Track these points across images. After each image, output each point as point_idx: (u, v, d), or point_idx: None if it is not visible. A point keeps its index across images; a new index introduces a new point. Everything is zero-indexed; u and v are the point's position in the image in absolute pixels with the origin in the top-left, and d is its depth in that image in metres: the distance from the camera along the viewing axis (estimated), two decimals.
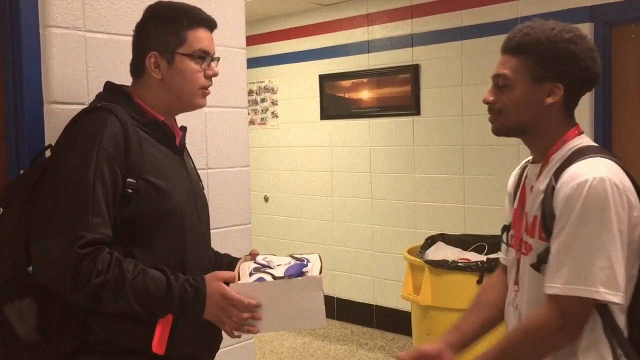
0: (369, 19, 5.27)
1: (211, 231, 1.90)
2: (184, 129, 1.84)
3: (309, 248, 5.66)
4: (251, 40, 4.34)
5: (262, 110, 6.14)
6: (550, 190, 1.53)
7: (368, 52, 5.29)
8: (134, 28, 1.75)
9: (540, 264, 1.54)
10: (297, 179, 5.89)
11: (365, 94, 5.34)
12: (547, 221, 1.53)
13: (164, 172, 1.67)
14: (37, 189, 1.61)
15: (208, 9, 1.77)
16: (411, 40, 5.00)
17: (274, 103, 6.04)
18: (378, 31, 5.22)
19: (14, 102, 1.92)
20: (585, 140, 1.62)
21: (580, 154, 1.54)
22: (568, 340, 1.50)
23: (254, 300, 1.58)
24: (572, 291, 1.45)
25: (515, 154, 4.32)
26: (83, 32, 2.01)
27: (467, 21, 4.65)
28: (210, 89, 1.78)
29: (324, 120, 5.65)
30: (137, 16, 1.76)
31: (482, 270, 3.45)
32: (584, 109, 3.89)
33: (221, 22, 1.86)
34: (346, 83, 5.46)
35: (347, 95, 5.47)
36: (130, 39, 1.76)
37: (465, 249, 3.96)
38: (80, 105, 1.83)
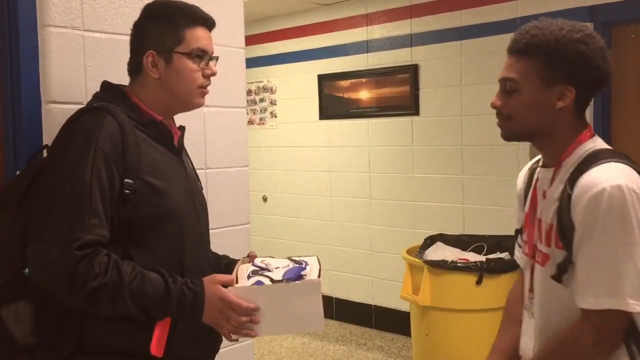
0: (368, 19, 5.27)
1: (210, 231, 1.89)
2: (182, 128, 1.83)
3: (308, 248, 5.66)
4: (250, 40, 4.33)
5: (260, 110, 6.13)
6: (566, 198, 1.49)
7: (367, 52, 5.29)
8: (131, 27, 1.74)
9: (560, 274, 1.51)
10: (296, 179, 5.88)
11: (364, 94, 5.34)
12: (564, 230, 1.49)
13: (161, 172, 1.65)
14: (33, 189, 1.59)
15: (207, 9, 1.76)
16: (410, 40, 5.00)
17: (272, 103, 6.04)
18: (377, 31, 5.22)
19: (12, 101, 1.90)
20: (598, 142, 1.57)
21: (594, 158, 1.50)
22: (607, 353, 1.47)
23: (252, 304, 1.57)
24: (603, 304, 1.42)
25: (514, 154, 4.33)
26: (81, 31, 2.00)
27: (466, 21, 4.65)
28: (208, 88, 1.76)
29: (323, 120, 5.65)
30: (136, 15, 1.75)
31: (481, 270, 3.45)
32: None
33: (220, 21, 1.85)
34: (345, 83, 5.46)
35: (346, 95, 5.47)
36: (129, 38, 1.75)
37: (464, 249, 3.95)
38: (78, 105, 1.82)
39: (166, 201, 1.64)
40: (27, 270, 1.54)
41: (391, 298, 5.08)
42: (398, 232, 5.14)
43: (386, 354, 4.82)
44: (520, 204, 1.77)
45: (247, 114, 5.45)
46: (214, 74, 1.75)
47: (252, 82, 6.07)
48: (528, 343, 1.67)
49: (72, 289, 1.47)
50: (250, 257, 1.79)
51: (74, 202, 1.50)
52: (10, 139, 1.92)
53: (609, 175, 1.44)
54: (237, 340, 1.65)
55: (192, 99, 1.74)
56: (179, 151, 1.79)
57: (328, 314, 5.30)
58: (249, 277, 1.65)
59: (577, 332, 1.48)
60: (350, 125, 5.45)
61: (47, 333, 1.55)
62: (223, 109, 2.43)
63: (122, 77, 1.77)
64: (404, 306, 4.39)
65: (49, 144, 1.72)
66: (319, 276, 1.64)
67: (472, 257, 3.77)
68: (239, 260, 1.78)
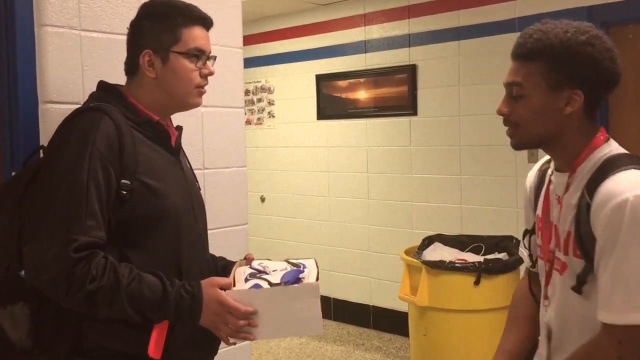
0: (366, 19, 5.26)
1: (208, 232, 1.88)
2: (179, 128, 1.82)
3: (306, 248, 5.66)
4: (248, 40, 4.33)
5: (258, 110, 6.12)
6: (584, 207, 1.45)
7: (365, 52, 5.29)
8: (128, 26, 1.73)
9: (580, 285, 1.47)
10: (294, 179, 5.87)
11: (362, 94, 5.33)
12: (583, 240, 1.45)
13: (158, 172, 1.64)
14: (29, 190, 1.58)
15: (205, 8, 1.75)
16: (408, 40, 4.99)
17: (270, 103, 6.03)
18: (375, 31, 5.21)
19: (9, 101, 1.90)
20: (614, 146, 1.53)
21: (613, 165, 1.45)
22: None
23: (250, 308, 1.56)
24: (627, 319, 1.38)
25: (513, 154, 4.31)
26: (78, 31, 1.99)
27: (465, 21, 4.64)
28: (206, 88, 1.75)
29: (321, 121, 5.64)
30: (133, 15, 1.74)
31: (479, 271, 3.45)
32: None
33: (218, 21, 1.84)
34: (343, 83, 5.45)
35: (344, 96, 5.46)
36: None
37: (462, 249, 3.95)
38: (75, 105, 1.81)
39: (163, 201, 1.63)
40: (23, 272, 1.53)
41: (389, 298, 5.08)
42: (396, 233, 5.14)
43: (384, 355, 4.81)
44: (530, 205, 1.73)
45: (245, 114, 5.41)
46: (211, 73, 1.74)
47: (250, 82, 6.06)
48: (541, 352, 1.63)
49: (68, 291, 1.46)
50: (248, 260, 1.77)
51: (70, 203, 1.49)
52: (7, 139, 1.91)
53: (631, 184, 1.39)
54: (235, 344, 1.64)
55: (189, 98, 1.73)
56: (177, 151, 1.78)
57: (326, 314, 5.29)
58: (246, 280, 1.64)
59: (600, 347, 1.44)
60: (348, 126, 5.45)
61: (44, 335, 1.54)
62: (221, 109, 2.42)
63: (119, 77, 1.76)
64: (402, 306, 4.38)
65: (45, 145, 1.70)
66: (317, 279, 1.63)
67: (470, 257, 3.77)
68: (235, 262, 1.77)
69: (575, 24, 1.50)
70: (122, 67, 1.75)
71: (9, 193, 1.61)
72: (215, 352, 1.80)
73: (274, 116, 6.01)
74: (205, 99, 1.78)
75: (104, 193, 1.52)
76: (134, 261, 1.56)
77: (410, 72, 4.96)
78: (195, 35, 1.69)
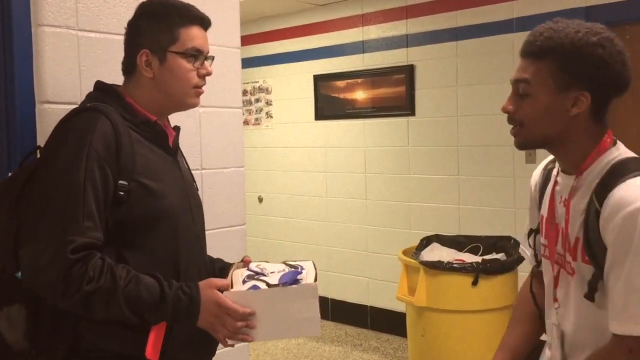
0: (364, 19, 5.26)
1: (206, 232, 1.87)
2: (177, 129, 1.81)
3: (303, 249, 5.66)
4: (246, 40, 4.33)
5: (256, 111, 6.11)
6: (593, 214, 1.43)
7: (363, 53, 5.28)
8: (125, 26, 1.73)
9: (592, 292, 1.45)
10: (292, 180, 5.87)
11: (360, 95, 5.33)
12: (592, 247, 1.44)
13: (155, 172, 1.63)
14: (26, 190, 1.57)
15: (203, 8, 1.74)
16: (406, 41, 4.99)
17: (268, 103, 6.03)
18: (373, 31, 5.21)
19: (5, 102, 1.89)
20: (622, 150, 1.51)
21: (622, 170, 1.43)
22: None
23: (248, 309, 1.55)
24: (639, 331, 1.37)
25: (510, 155, 4.32)
26: (76, 31, 1.98)
27: (463, 22, 4.64)
28: (204, 88, 1.74)
29: (319, 121, 5.64)
30: (131, 15, 1.73)
31: (477, 271, 3.44)
32: None
33: (216, 21, 1.84)
34: (341, 83, 5.45)
35: (341, 96, 5.46)
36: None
37: (460, 249, 3.95)
38: (72, 105, 1.80)
39: (160, 202, 1.62)
40: (19, 274, 1.52)
41: (387, 299, 5.08)
42: (394, 233, 5.14)
43: (382, 355, 4.81)
44: (534, 205, 1.72)
45: (243, 114, 5.43)
46: (209, 73, 1.73)
47: (247, 83, 6.05)
48: (554, 355, 1.61)
49: (65, 293, 1.46)
50: (245, 262, 1.77)
51: (67, 203, 1.48)
52: (4, 139, 1.90)
53: None
54: (232, 345, 1.64)
55: (186, 99, 1.72)
56: (174, 152, 1.77)
57: (323, 315, 5.29)
58: (244, 281, 1.63)
59: (611, 356, 1.43)
60: (346, 126, 5.45)
61: (41, 337, 1.54)
62: (219, 109, 2.42)
63: (116, 77, 1.75)
64: (399, 307, 4.38)
65: (42, 145, 1.70)
66: (315, 281, 1.62)
67: (468, 257, 3.76)
68: (233, 264, 1.77)
69: (587, 25, 1.48)
70: (119, 67, 1.75)
71: (6, 193, 1.59)
72: (213, 354, 1.79)
73: (271, 116, 6.01)
74: (203, 99, 1.78)
75: (101, 193, 1.51)
76: (132, 262, 1.55)
77: (408, 73, 4.96)
78: (193, 35, 1.68)
